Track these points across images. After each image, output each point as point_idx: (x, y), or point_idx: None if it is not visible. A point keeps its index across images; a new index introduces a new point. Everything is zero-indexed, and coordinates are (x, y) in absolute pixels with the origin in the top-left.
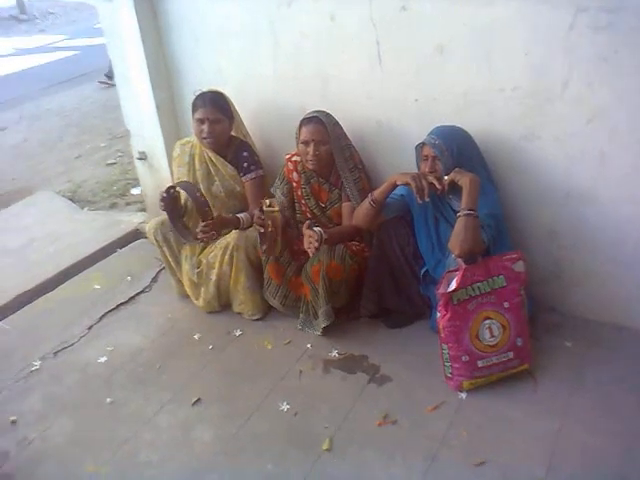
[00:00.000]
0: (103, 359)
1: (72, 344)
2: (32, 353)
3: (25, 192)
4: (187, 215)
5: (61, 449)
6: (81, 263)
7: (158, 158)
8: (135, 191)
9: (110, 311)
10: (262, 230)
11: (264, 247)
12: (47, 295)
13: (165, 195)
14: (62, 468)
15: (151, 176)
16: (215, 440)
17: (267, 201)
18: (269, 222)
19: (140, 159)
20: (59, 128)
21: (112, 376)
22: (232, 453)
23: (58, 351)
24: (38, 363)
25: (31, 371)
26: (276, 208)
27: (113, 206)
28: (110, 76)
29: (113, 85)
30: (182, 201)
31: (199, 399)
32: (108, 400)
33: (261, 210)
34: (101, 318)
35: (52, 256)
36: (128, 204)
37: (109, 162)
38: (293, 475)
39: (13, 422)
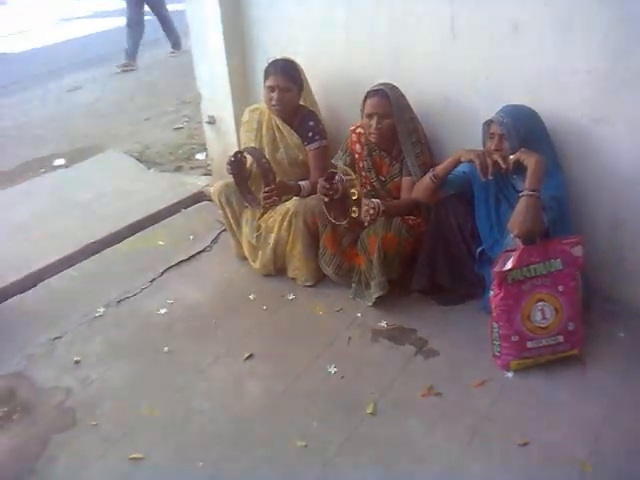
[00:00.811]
0: (163, 310)
1: (135, 294)
2: (97, 300)
3: (96, 149)
4: (251, 180)
5: (119, 390)
6: (147, 220)
7: (226, 122)
8: (200, 156)
9: (172, 267)
10: (327, 199)
11: (332, 214)
12: (114, 247)
13: (233, 159)
14: (119, 408)
15: (218, 140)
16: (264, 394)
17: (338, 168)
18: (352, 189)
19: (209, 123)
20: (131, 90)
21: (171, 327)
22: (279, 408)
23: (121, 300)
24: (102, 310)
25: (95, 317)
26: (353, 176)
27: (178, 169)
28: (177, 44)
29: (182, 52)
30: (247, 166)
31: (251, 355)
32: (166, 349)
33: (327, 179)
34: (163, 273)
35: (120, 211)
36: (192, 168)
37: (176, 126)
38: (337, 434)
39: (77, 362)
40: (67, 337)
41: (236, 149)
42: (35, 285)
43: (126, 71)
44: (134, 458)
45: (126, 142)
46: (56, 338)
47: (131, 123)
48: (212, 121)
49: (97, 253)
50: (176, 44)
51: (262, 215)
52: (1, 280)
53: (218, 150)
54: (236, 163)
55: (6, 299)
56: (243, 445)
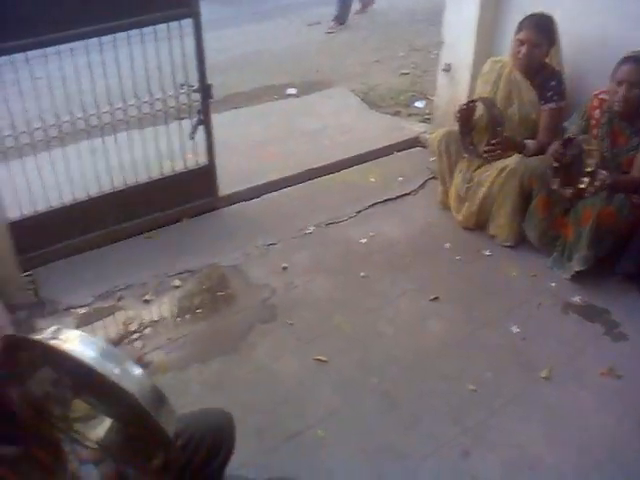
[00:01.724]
0: (364, 240)
1: (341, 221)
2: (308, 219)
3: (324, 84)
4: (475, 131)
5: (316, 300)
6: (363, 156)
7: (462, 72)
8: (419, 104)
9: (378, 203)
10: (557, 165)
11: (557, 181)
12: (331, 176)
13: (464, 107)
14: (315, 314)
15: (450, 88)
16: (445, 335)
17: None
18: (589, 160)
19: (445, 70)
20: (365, 32)
21: (369, 256)
22: (457, 351)
23: (329, 224)
24: (312, 229)
25: (305, 233)
26: (594, 147)
27: (396, 114)
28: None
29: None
30: (475, 117)
31: (437, 297)
32: (362, 274)
33: (563, 144)
34: (369, 207)
35: (340, 144)
36: (410, 115)
37: (402, 72)
38: (507, 388)
39: (284, 268)
40: (279, 245)
41: (466, 99)
42: (259, 196)
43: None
44: (319, 359)
45: (353, 81)
46: (270, 244)
47: (361, 64)
48: (448, 69)
49: (315, 178)
50: (340, 17)
51: (477, 168)
52: (233, 186)
53: (446, 98)
54: (466, 111)
55: (233, 203)
56: (418, 373)
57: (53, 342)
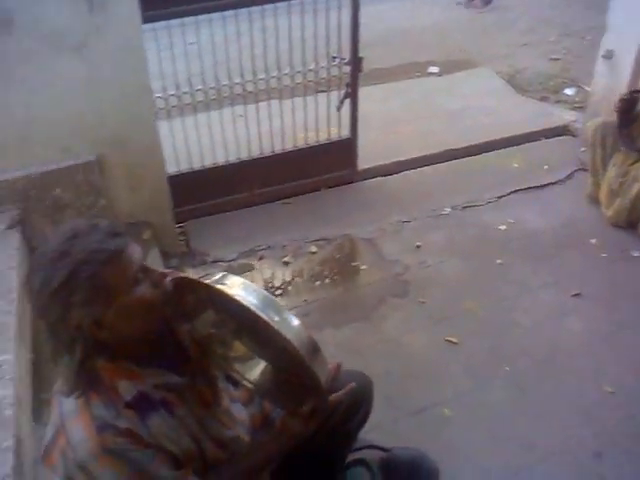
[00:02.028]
0: (502, 227)
1: (479, 205)
2: (445, 200)
3: (468, 64)
4: (636, 123)
5: (449, 281)
6: (507, 140)
7: (626, 59)
8: (569, 91)
9: (520, 190)
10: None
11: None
12: (471, 158)
13: (626, 97)
14: (446, 296)
15: (609, 77)
16: (584, 333)
17: None
18: None
19: (605, 57)
20: (515, 12)
21: (507, 243)
22: (595, 350)
23: (466, 207)
24: (448, 210)
25: (441, 214)
26: None
27: (543, 99)
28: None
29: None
30: (638, 109)
31: (579, 294)
32: (498, 261)
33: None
34: (510, 193)
35: (482, 126)
36: (557, 102)
37: (552, 57)
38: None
39: (418, 247)
40: (414, 223)
41: (628, 89)
42: (397, 173)
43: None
44: (450, 340)
45: (499, 63)
46: (405, 221)
47: (508, 45)
48: (609, 56)
49: (455, 159)
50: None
51: (634, 162)
52: (371, 161)
53: (603, 87)
54: (628, 102)
55: (371, 178)
56: (552, 368)
57: (220, 286)
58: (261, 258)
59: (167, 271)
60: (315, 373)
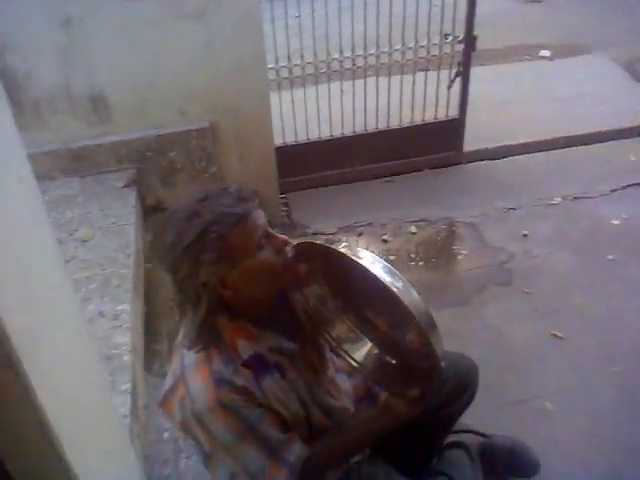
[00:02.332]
0: (616, 222)
1: (592, 197)
2: (555, 189)
3: (582, 49)
4: None
5: (557, 274)
6: (623, 131)
7: None
8: None
9: (637, 184)
10: None
11: None
12: (584, 147)
13: None
14: (554, 288)
15: None
16: None
17: None
18: None
19: None
20: None
21: (620, 239)
22: None
23: (578, 198)
24: (558, 200)
25: (550, 203)
26: None
27: None
28: None
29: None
30: None
31: None
32: (610, 257)
33: None
34: (626, 187)
35: (597, 115)
36: None
37: None
38: None
39: (524, 235)
40: (521, 211)
41: None
42: (505, 157)
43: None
44: (555, 335)
45: (616, 49)
46: (511, 209)
47: (628, 31)
48: None
49: (566, 147)
50: None
51: None
52: (477, 143)
53: None
54: None
55: (477, 161)
56: None
57: (344, 250)
58: (360, 234)
59: (288, 238)
60: (434, 350)
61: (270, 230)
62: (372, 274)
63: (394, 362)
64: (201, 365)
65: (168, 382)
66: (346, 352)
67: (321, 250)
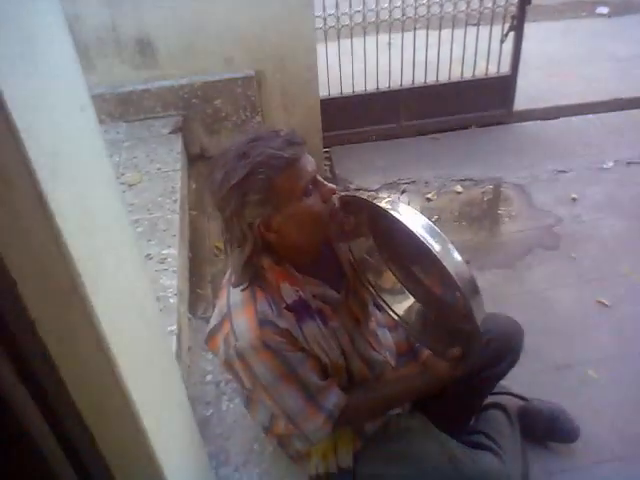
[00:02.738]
0: None
1: None
2: (608, 153)
3: None
4: None
5: (605, 240)
6: None
7: None
8: None
9: None
10: None
11: None
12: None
13: None
14: (601, 254)
15: None
16: None
17: None
18: None
19: None
20: None
21: None
22: None
23: (631, 162)
24: (611, 164)
25: (602, 167)
26: None
27: None
28: None
29: None
30: None
31: None
32: None
33: None
34: None
35: None
36: None
37: None
38: None
39: (573, 199)
40: (570, 174)
41: None
42: (557, 118)
43: None
44: (601, 302)
45: None
46: (561, 171)
47: None
48: None
49: (622, 110)
50: None
51: None
52: (527, 103)
53: None
54: None
55: (527, 120)
56: None
57: (389, 209)
58: (404, 192)
59: (336, 188)
60: (473, 314)
61: (319, 177)
62: (412, 232)
63: (435, 320)
64: (247, 304)
65: (214, 319)
66: (388, 305)
67: (365, 204)
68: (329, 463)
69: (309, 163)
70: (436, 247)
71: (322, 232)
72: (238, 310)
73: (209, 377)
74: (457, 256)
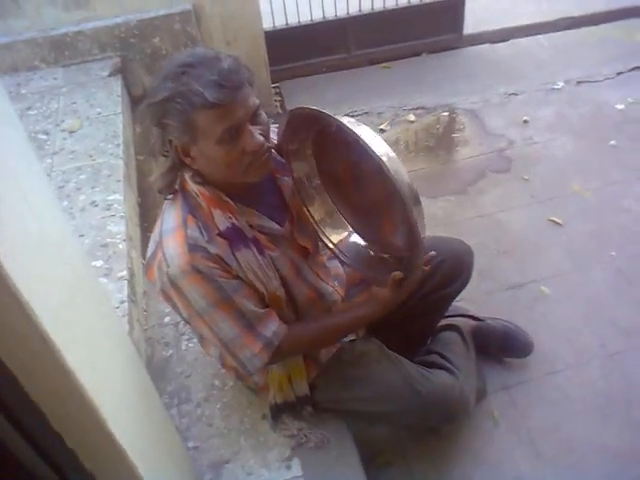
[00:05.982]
0: (620, 106)
1: (596, 81)
2: (557, 73)
3: None
4: None
5: (557, 160)
6: (631, 10)
7: None
8: None
9: None
10: None
11: None
12: (588, 28)
13: None
14: (553, 174)
15: None
16: None
17: None
18: None
19: None
20: None
21: (623, 124)
22: None
23: (582, 82)
24: (561, 84)
25: (553, 88)
26: None
27: None
28: None
29: None
30: None
31: None
32: (612, 142)
33: None
34: (632, 69)
35: None
36: None
37: None
38: None
39: (525, 122)
40: (522, 97)
41: None
42: (506, 40)
43: None
44: (553, 220)
45: None
46: (512, 94)
47: None
48: None
49: (571, 29)
50: None
51: None
52: (478, 26)
53: None
54: None
55: (477, 44)
56: None
57: (345, 122)
58: None
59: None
60: (416, 225)
61: (260, 113)
62: (366, 146)
63: (372, 248)
64: (177, 231)
65: (149, 249)
66: (324, 233)
67: (314, 115)
68: (286, 393)
69: (241, 107)
70: (385, 159)
71: (240, 174)
72: (169, 237)
73: (167, 319)
74: (402, 168)
